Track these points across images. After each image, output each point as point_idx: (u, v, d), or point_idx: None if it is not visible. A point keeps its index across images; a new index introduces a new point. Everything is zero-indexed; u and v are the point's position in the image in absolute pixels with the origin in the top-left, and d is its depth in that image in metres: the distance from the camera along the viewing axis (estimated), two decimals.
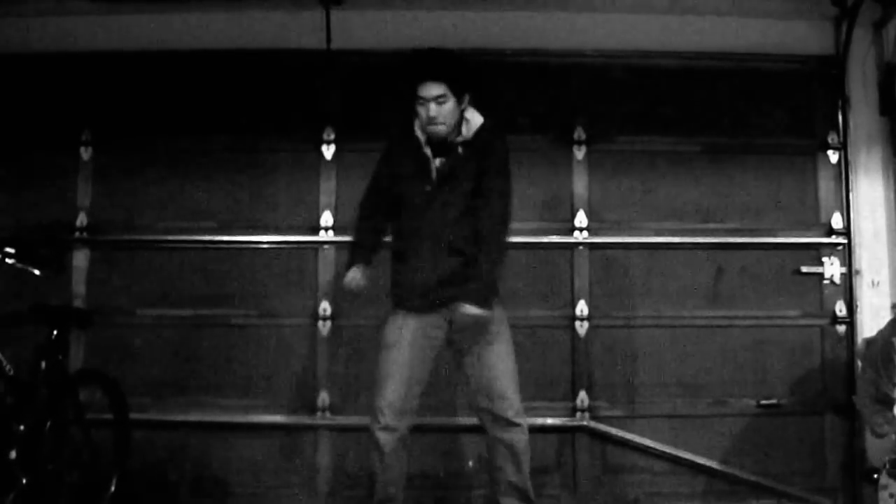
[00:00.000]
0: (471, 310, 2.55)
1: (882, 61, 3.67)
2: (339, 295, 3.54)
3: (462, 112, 2.69)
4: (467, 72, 2.70)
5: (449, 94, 2.62)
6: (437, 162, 2.70)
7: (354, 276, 2.78)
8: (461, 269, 2.63)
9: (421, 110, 2.64)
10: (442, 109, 2.62)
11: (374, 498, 2.68)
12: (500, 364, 2.67)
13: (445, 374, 3.50)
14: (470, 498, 3.45)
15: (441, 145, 2.70)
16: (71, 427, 2.88)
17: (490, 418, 2.67)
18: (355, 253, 2.84)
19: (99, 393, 3.04)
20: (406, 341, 2.66)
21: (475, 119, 2.72)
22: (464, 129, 2.70)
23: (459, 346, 2.71)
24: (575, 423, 3.50)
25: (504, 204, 2.67)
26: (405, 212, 2.73)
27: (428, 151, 2.70)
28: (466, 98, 2.69)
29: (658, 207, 3.67)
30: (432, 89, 2.61)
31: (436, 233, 2.65)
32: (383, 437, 2.62)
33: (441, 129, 2.65)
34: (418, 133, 2.72)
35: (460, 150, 2.69)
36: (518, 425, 2.66)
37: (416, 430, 3.45)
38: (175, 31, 3.66)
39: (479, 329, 2.61)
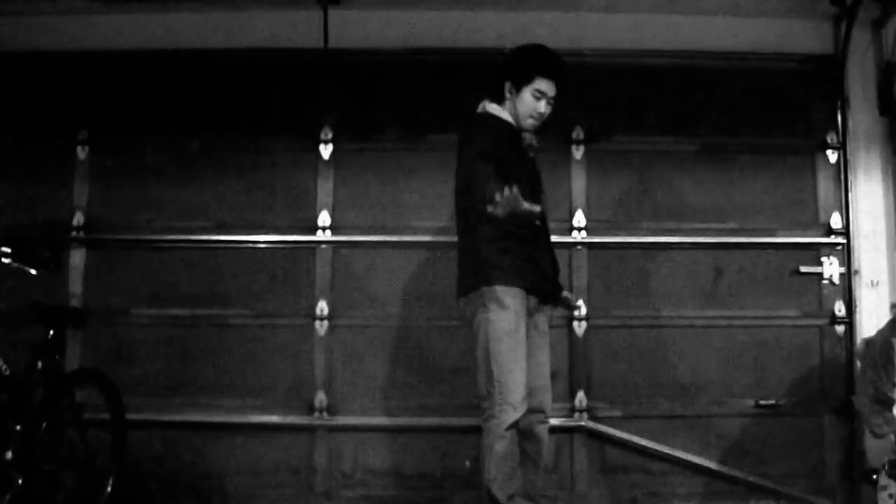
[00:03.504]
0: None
1: (881, 61, 3.67)
2: (337, 293, 3.56)
3: None
4: None
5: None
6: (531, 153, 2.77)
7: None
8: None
9: (533, 103, 2.69)
10: (548, 110, 2.71)
11: (510, 496, 2.55)
12: (547, 361, 2.72)
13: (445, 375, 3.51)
14: (468, 498, 3.44)
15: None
16: (67, 427, 2.87)
17: (530, 410, 2.61)
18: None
19: (95, 393, 3.03)
20: (524, 328, 2.59)
21: None
22: (536, 143, 2.79)
23: (530, 332, 2.69)
24: (573, 424, 3.50)
25: None
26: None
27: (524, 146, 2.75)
28: None
29: (657, 207, 3.67)
30: (553, 89, 2.69)
31: (542, 226, 2.72)
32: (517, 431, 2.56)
33: (536, 126, 2.73)
34: (509, 117, 2.72)
35: (531, 153, 2.78)
36: (548, 423, 2.70)
37: (414, 430, 3.48)
38: (172, 30, 3.66)
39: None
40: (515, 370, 2.53)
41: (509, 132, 2.71)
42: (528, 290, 2.62)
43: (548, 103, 2.70)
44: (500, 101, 2.73)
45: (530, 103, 2.68)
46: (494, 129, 2.68)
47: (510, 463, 2.54)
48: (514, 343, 2.54)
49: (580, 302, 2.86)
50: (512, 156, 2.65)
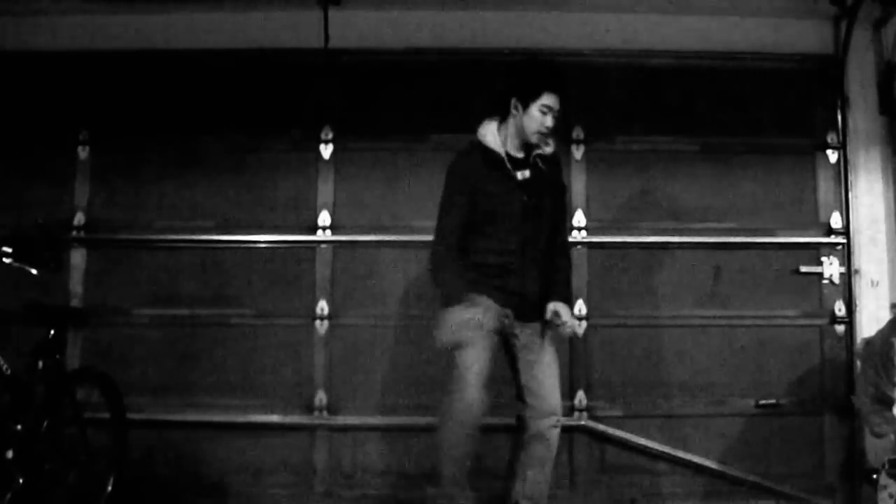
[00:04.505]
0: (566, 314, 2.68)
1: (881, 61, 3.67)
2: (337, 294, 3.58)
3: None
4: None
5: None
6: (520, 175, 2.74)
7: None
8: (541, 278, 2.75)
9: (540, 118, 2.68)
10: (554, 123, 2.70)
11: (442, 482, 2.63)
12: (553, 365, 2.74)
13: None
14: (468, 497, 3.43)
15: (518, 160, 2.75)
16: (68, 426, 2.88)
17: (537, 415, 2.66)
18: (455, 286, 2.64)
19: (96, 392, 3.04)
20: (485, 332, 2.63)
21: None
22: (547, 146, 2.77)
23: (519, 343, 2.74)
24: (573, 423, 3.50)
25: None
26: (492, 225, 2.71)
27: (510, 166, 2.74)
28: None
29: (657, 207, 3.67)
30: (558, 102, 2.69)
31: (531, 245, 2.71)
32: (472, 420, 2.58)
33: (542, 140, 2.73)
34: (496, 144, 2.73)
35: (540, 164, 2.76)
36: (558, 427, 2.71)
37: (414, 429, 3.48)
38: (173, 30, 3.66)
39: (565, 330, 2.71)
40: (470, 369, 2.56)
41: (493, 162, 2.71)
42: (500, 303, 2.67)
43: (553, 117, 2.70)
44: (504, 115, 2.74)
45: (538, 118, 2.68)
46: (474, 166, 2.70)
47: (462, 450, 2.59)
48: (475, 336, 2.57)
49: (574, 322, 2.77)
50: (493, 188, 2.68)
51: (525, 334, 2.74)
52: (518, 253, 2.70)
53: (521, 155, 2.76)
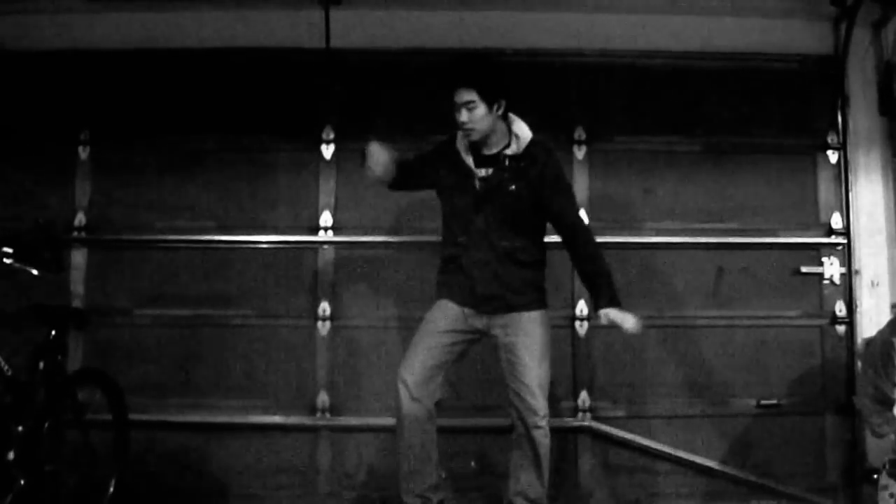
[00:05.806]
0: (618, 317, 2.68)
1: (881, 61, 3.68)
2: (338, 288, 3.59)
3: (498, 120, 2.74)
4: (498, 78, 2.75)
5: (478, 100, 2.67)
6: (483, 172, 2.77)
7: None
8: (518, 275, 2.76)
9: (456, 116, 2.71)
10: (472, 115, 2.69)
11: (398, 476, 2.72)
12: (535, 364, 2.71)
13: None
14: (472, 498, 3.45)
15: (487, 156, 2.77)
16: (69, 428, 2.87)
17: (520, 415, 2.68)
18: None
19: (98, 393, 3.03)
20: (442, 326, 2.77)
21: (524, 133, 2.78)
22: (513, 144, 2.76)
23: (499, 342, 2.77)
24: (576, 424, 3.50)
25: (583, 224, 2.89)
26: (451, 218, 2.82)
27: (470, 162, 2.77)
28: (500, 105, 2.72)
29: (658, 207, 3.68)
30: (462, 95, 2.69)
31: (485, 239, 2.73)
32: (401, 415, 2.70)
33: (472, 134, 2.73)
34: (458, 144, 2.80)
35: (507, 162, 2.75)
36: (542, 427, 2.69)
37: None
38: (174, 29, 3.65)
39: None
40: (410, 353, 2.75)
41: (452, 157, 2.80)
42: (459, 303, 2.77)
43: (467, 109, 2.67)
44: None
45: (456, 117, 2.72)
46: (443, 152, 2.85)
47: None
48: (423, 331, 2.78)
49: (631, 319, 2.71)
50: (451, 181, 2.80)
51: (502, 333, 2.76)
52: (465, 247, 2.75)
53: (491, 152, 2.78)
